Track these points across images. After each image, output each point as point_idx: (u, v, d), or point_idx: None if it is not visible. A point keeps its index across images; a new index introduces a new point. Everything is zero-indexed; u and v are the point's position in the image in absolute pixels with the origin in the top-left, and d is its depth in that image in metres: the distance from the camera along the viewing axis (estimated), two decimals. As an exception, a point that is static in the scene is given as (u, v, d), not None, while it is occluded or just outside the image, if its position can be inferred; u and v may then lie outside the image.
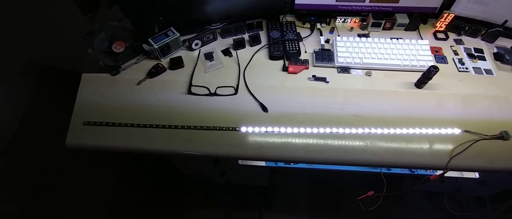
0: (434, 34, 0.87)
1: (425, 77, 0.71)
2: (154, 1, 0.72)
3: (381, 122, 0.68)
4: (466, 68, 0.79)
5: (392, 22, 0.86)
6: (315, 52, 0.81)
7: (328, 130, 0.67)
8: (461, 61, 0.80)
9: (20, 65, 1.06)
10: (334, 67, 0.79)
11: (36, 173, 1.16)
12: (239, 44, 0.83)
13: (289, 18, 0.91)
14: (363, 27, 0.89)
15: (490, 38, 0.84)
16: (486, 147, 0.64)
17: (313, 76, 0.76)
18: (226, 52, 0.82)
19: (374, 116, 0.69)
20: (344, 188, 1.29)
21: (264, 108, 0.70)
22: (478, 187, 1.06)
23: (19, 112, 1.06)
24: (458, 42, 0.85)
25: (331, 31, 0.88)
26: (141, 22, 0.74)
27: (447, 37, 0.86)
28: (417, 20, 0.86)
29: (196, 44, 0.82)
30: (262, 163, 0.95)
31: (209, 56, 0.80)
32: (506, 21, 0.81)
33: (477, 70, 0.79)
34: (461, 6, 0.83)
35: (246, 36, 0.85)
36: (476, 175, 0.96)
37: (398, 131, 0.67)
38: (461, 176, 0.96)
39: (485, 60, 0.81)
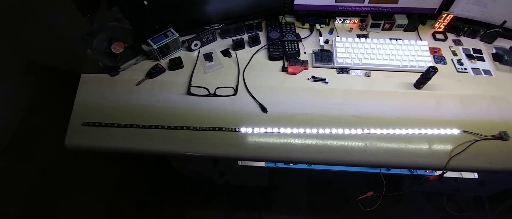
0: (433, 34, 0.87)
1: (424, 77, 0.72)
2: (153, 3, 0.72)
3: (380, 122, 0.68)
4: (465, 69, 0.79)
5: (391, 22, 0.86)
6: (314, 52, 0.81)
7: (327, 130, 0.67)
8: (460, 62, 0.80)
9: (19, 66, 1.06)
10: (333, 68, 0.79)
11: (36, 174, 1.15)
12: (238, 45, 0.83)
13: (289, 18, 0.91)
14: (362, 28, 0.89)
15: (488, 38, 0.85)
16: (485, 148, 0.65)
17: (313, 76, 0.76)
18: (226, 53, 0.82)
19: (373, 117, 0.69)
20: (344, 189, 1.29)
21: (264, 109, 0.70)
22: (477, 187, 1.06)
23: (19, 112, 1.06)
24: (457, 42, 0.85)
25: (331, 32, 0.88)
26: (140, 22, 0.74)
27: (446, 38, 0.86)
28: (416, 21, 0.86)
29: (196, 45, 0.82)
30: (262, 164, 0.95)
31: (208, 57, 0.80)
32: (505, 21, 0.81)
33: (476, 70, 0.79)
34: (460, 6, 0.83)
35: (245, 37, 0.85)
36: (475, 175, 0.96)
37: (398, 131, 0.67)
38: (460, 176, 0.96)
39: (483, 60, 0.81)
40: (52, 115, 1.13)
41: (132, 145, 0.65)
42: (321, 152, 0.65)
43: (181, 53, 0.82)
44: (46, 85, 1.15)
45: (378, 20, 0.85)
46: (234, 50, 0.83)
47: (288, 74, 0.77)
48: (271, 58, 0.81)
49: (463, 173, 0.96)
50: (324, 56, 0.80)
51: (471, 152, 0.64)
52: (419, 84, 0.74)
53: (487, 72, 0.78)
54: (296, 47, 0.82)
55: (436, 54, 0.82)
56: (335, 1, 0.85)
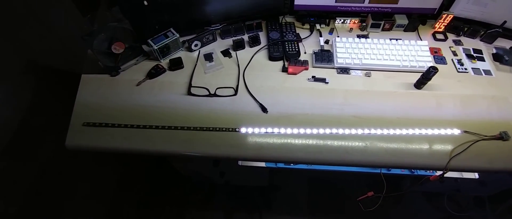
0: (433, 35, 0.87)
1: (424, 77, 0.72)
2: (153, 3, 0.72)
3: (380, 122, 0.68)
4: (465, 69, 0.79)
5: (391, 23, 0.86)
6: (314, 53, 0.81)
7: (327, 130, 0.67)
8: (460, 62, 0.80)
9: (19, 66, 1.06)
10: (333, 68, 0.79)
11: (36, 174, 1.15)
12: (238, 45, 0.83)
13: (289, 19, 0.91)
14: (362, 28, 0.89)
15: (489, 38, 0.85)
16: (485, 148, 0.65)
17: (313, 77, 0.76)
18: (226, 53, 0.82)
19: (373, 117, 0.69)
20: (344, 189, 1.29)
21: (264, 109, 0.70)
22: (478, 187, 1.06)
23: (19, 112, 1.06)
24: (457, 43, 0.85)
25: (331, 32, 0.88)
26: (140, 23, 0.74)
27: (446, 38, 0.86)
28: (416, 21, 0.86)
29: (196, 45, 0.82)
30: (262, 164, 0.95)
31: (208, 57, 0.81)
32: (505, 22, 0.81)
33: (476, 70, 0.79)
34: (460, 7, 0.83)
35: (245, 37, 0.85)
36: (475, 175, 0.96)
37: (398, 131, 0.67)
38: (461, 176, 0.96)
39: (484, 60, 0.81)
40: (53, 115, 1.13)
41: (133, 145, 0.65)
42: (322, 152, 0.65)
43: (181, 54, 0.82)
44: (46, 85, 1.15)
45: (378, 20, 0.85)
46: (234, 51, 0.83)
47: (288, 74, 0.77)
48: (271, 58, 0.81)
49: (463, 173, 0.96)
50: (324, 56, 0.80)
51: (471, 152, 0.64)
52: (420, 84, 0.74)
53: (487, 72, 0.78)
54: (296, 47, 0.82)
55: (436, 54, 0.82)
56: (335, 1, 0.85)
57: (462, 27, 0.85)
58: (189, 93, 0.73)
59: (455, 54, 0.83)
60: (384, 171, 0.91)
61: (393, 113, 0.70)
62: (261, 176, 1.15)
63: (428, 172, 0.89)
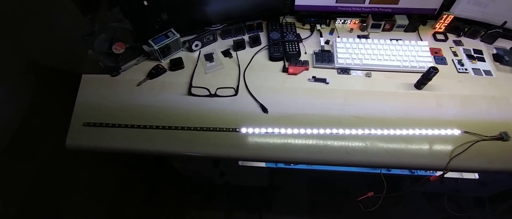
0: (434, 35, 0.87)
1: (425, 78, 0.72)
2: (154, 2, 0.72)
3: (381, 123, 0.68)
4: (466, 69, 0.79)
5: (391, 23, 0.86)
6: (315, 53, 0.81)
7: (328, 131, 0.67)
8: (460, 62, 0.80)
9: (20, 66, 1.06)
10: (334, 68, 0.79)
11: (36, 174, 1.15)
12: (239, 45, 0.83)
13: (289, 19, 0.91)
14: (362, 28, 0.89)
15: (489, 39, 0.85)
16: (485, 148, 0.65)
17: (313, 77, 0.76)
18: (226, 53, 0.82)
19: (374, 117, 0.69)
20: (344, 189, 1.29)
21: (264, 109, 0.70)
22: (478, 188, 1.06)
23: (19, 112, 1.06)
24: (458, 43, 0.86)
25: (331, 32, 0.88)
26: (141, 23, 0.74)
27: (446, 38, 0.86)
28: (416, 21, 0.86)
29: (196, 45, 0.82)
30: (262, 164, 0.95)
31: (209, 57, 0.81)
32: (505, 22, 0.81)
33: (476, 71, 0.79)
34: (460, 7, 0.84)
35: (246, 37, 0.85)
36: (475, 176, 0.96)
37: (398, 132, 0.67)
38: (461, 177, 0.96)
39: (484, 61, 0.81)
40: (53, 115, 1.13)
41: (133, 145, 0.65)
42: (322, 152, 0.65)
43: (182, 54, 0.82)
44: (47, 85, 1.15)
45: (378, 20, 0.85)
46: (234, 51, 0.83)
47: (288, 74, 0.78)
48: (272, 58, 0.81)
49: (463, 173, 0.96)
50: (324, 56, 0.80)
51: (471, 153, 0.64)
52: (420, 84, 0.74)
53: (487, 73, 0.78)
54: (297, 47, 0.82)
55: (437, 55, 0.82)
56: (336, 2, 0.85)
57: (462, 27, 0.86)
58: (190, 93, 0.73)
59: (455, 54, 0.83)
60: (384, 171, 0.91)
61: (393, 114, 0.70)
62: (261, 176, 1.15)
63: (428, 173, 0.89)
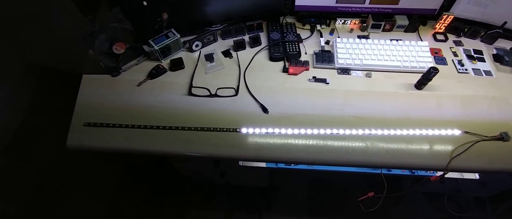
0: (434, 35, 0.87)
1: (425, 78, 0.72)
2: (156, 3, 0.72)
3: (381, 123, 0.68)
4: (466, 70, 0.79)
5: (391, 23, 0.86)
6: (315, 53, 0.81)
7: (328, 131, 0.67)
8: (460, 63, 0.80)
9: (20, 66, 1.06)
10: (334, 69, 0.79)
11: (36, 174, 1.15)
12: (239, 46, 0.83)
13: (289, 19, 0.91)
14: (363, 29, 0.89)
15: (489, 39, 0.85)
16: (486, 148, 0.65)
17: (313, 77, 0.77)
18: (227, 54, 0.82)
19: (374, 117, 0.69)
20: (345, 189, 1.29)
21: (265, 109, 0.70)
22: (478, 188, 1.06)
23: (20, 112, 1.06)
24: (458, 43, 0.86)
25: (331, 33, 0.88)
26: (141, 23, 0.74)
27: (446, 39, 0.86)
28: (416, 22, 0.86)
29: (197, 46, 0.83)
30: (263, 164, 0.95)
31: (209, 58, 0.81)
32: (505, 22, 0.81)
33: (476, 71, 0.79)
34: (460, 7, 0.84)
35: (246, 38, 0.85)
36: (476, 176, 0.96)
37: (399, 132, 0.67)
38: (461, 177, 0.96)
39: (484, 61, 0.81)
40: (53, 115, 1.13)
41: (133, 145, 0.66)
42: (322, 152, 0.65)
43: (182, 54, 0.83)
44: (47, 86, 1.15)
45: (378, 21, 0.85)
46: (235, 51, 0.83)
47: (289, 74, 0.78)
48: (272, 58, 0.81)
49: (464, 173, 0.96)
50: (325, 56, 0.80)
51: (472, 153, 0.64)
52: (420, 84, 0.74)
53: (487, 73, 0.79)
54: (297, 48, 0.82)
55: (437, 55, 0.82)
56: (336, 2, 0.85)
57: (462, 27, 0.86)
58: (190, 93, 0.73)
59: (455, 54, 0.83)
60: (384, 171, 0.91)
61: (393, 114, 0.70)
62: (261, 176, 1.15)
63: (428, 173, 0.89)
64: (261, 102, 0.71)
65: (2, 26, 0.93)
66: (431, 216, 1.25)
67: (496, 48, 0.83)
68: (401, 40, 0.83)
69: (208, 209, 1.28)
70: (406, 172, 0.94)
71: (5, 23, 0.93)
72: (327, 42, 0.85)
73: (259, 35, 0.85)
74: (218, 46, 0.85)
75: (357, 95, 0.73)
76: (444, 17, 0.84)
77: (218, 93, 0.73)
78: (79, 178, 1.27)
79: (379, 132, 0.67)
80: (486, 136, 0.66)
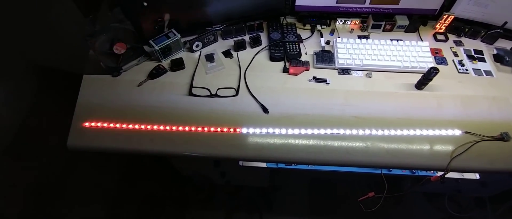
0: (434, 35, 0.87)
1: (425, 78, 0.72)
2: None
3: (381, 123, 0.68)
4: (466, 70, 0.79)
5: (392, 23, 0.87)
6: (315, 53, 0.81)
7: (328, 131, 0.67)
8: (461, 63, 0.80)
9: (21, 66, 1.06)
10: (334, 69, 0.79)
11: (37, 174, 1.16)
12: (239, 46, 0.83)
13: (290, 19, 0.91)
14: (363, 29, 0.89)
15: (489, 39, 0.85)
16: (486, 148, 0.65)
17: (314, 77, 0.77)
18: (227, 54, 0.82)
19: (374, 117, 0.69)
20: (345, 190, 1.29)
21: (265, 110, 0.70)
22: (479, 188, 1.06)
23: (20, 112, 1.06)
24: (458, 43, 0.86)
25: (332, 33, 0.88)
26: (142, 23, 0.74)
27: (447, 39, 0.86)
28: (417, 22, 0.86)
29: (197, 46, 0.83)
30: (263, 164, 0.95)
31: (210, 58, 0.81)
32: (505, 22, 0.81)
33: (477, 71, 0.79)
34: (461, 7, 0.84)
35: (246, 38, 0.85)
36: (476, 176, 0.96)
37: (399, 132, 0.67)
38: (462, 177, 0.96)
39: (485, 61, 0.81)
40: (54, 116, 1.13)
41: (134, 145, 0.66)
42: (323, 152, 0.65)
43: (182, 54, 0.83)
44: (48, 86, 1.16)
45: (379, 21, 0.85)
46: (235, 51, 0.83)
47: (289, 75, 0.78)
48: (273, 59, 0.81)
49: (464, 173, 0.96)
50: (325, 57, 0.80)
51: (472, 153, 0.64)
52: (420, 84, 0.74)
53: (488, 73, 0.79)
54: (297, 48, 0.82)
55: (437, 55, 0.82)
56: (336, 2, 0.85)
57: (463, 28, 0.86)
58: (190, 93, 0.73)
59: (456, 54, 0.83)
60: (385, 171, 0.91)
61: (394, 114, 0.70)
62: (261, 176, 1.15)
63: (429, 173, 0.89)
64: (261, 102, 0.71)
65: (2, 26, 0.93)
66: (431, 216, 1.24)
67: (496, 48, 0.83)
68: (401, 40, 0.83)
69: (208, 209, 1.28)
70: (407, 172, 0.94)
71: (5, 23, 0.93)
72: (327, 42, 0.85)
73: (260, 35, 0.85)
74: (219, 46, 0.85)
75: (357, 95, 0.73)
76: (445, 17, 0.84)
77: (219, 93, 0.73)
78: (79, 178, 1.27)
79: (380, 132, 0.67)
80: (487, 136, 0.66)
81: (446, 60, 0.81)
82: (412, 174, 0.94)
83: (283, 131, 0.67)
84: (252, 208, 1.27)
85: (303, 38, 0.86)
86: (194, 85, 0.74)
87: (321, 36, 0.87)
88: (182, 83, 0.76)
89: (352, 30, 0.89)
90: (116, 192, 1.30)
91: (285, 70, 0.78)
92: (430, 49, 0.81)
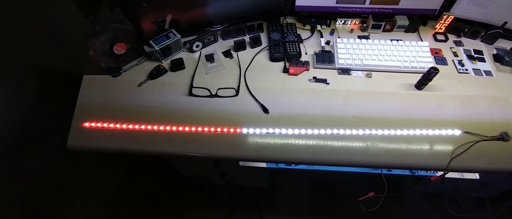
0: (434, 35, 0.87)
1: (425, 78, 0.72)
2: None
3: (381, 123, 0.68)
4: (466, 70, 0.79)
5: (392, 23, 0.87)
6: (315, 53, 0.81)
7: (328, 131, 0.67)
8: (460, 63, 0.81)
9: (21, 67, 1.06)
10: (334, 69, 0.79)
11: (37, 174, 1.16)
12: (239, 46, 0.83)
13: (290, 20, 0.91)
14: (363, 29, 0.89)
15: (489, 39, 0.85)
16: (486, 148, 0.65)
17: (314, 77, 0.77)
18: (227, 54, 0.82)
19: (374, 118, 0.69)
20: (345, 190, 1.29)
21: (265, 110, 0.70)
22: (478, 188, 1.06)
23: (21, 113, 1.06)
24: (458, 43, 0.86)
25: (332, 33, 0.89)
26: (142, 23, 0.74)
27: (446, 39, 0.86)
28: (416, 22, 0.86)
29: (197, 46, 0.83)
30: (263, 165, 0.95)
31: (210, 58, 0.81)
32: (505, 22, 0.81)
33: (476, 71, 0.79)
34: (461, 8, 0.84)
35: (246, 38, 0.85)
36: (476, 176, 0.96)
37: (399, 132, 0.67)
38: (462, 177, 0.96)
39: (484, 61, 0.81)
40: (54, 116, 1.14)
41: (134, 145, 0.66)
42: (323, 152, 0.65)
43: (182, 54, 0.83)
44: (48, 86, 1.16)
45: (379, 21, 0.85)
46: (235, 51, 0.83)
47: (289, 75, 0.78)
48: (273, 59, 0.81)
49: (464, 173, 0.96)
50: (325, 57, 0.80)
51: (472, 153, 0.64)
52: (420, 85, 0.74)
53: (488, 73, 0.79)
54: (297, 48, 0.83)
55: (437, 55, 0.82)
56: (336, 2, 0.85)
57: (462, 28, 0.86)
58: (190, 93, 0.73)
59: (455, 55, 0.83)
60: (385, 171, 0.91)
61: (394, 114, 0.70)
62: (262, 176, 1.15)
63: (429, 173, 0.89)
64: (261, 103, 0.71)
65: (3, 26, 0.93)
66: (431, 216, 1.25)
67: (496, 48, 0.83)
68: (401, 40, 0.83)
69: (208, 209, 1.28)
70: (407, 172, 0.94)
71: (5, 23, 0.93)
72: (327, 43, 0.85)
73: (260, 35, 0.86)
74: (219, 47, 0.85)
75: (357, 95, 0.74)
76: (444, 17, 0.84)
77: (219, 93, 0.73)
78: (79, 178, 1.27)
79: (380, 132, 0.67)
80: (487, 136, 0.66)
81: (446, 60, 0.81)
82: (412, 174, 0.94)
83: (283, 131, 0.67)
84: (252, 208, 1.27)
85: (303, 38, 0.86)
86: (194, 85, 0.75)
87: (321, 36, 0.87)
88: (182, 83, 0.76)
89: (352, 30, 0.89)
90: (116, 192, 1.30)
91: (285, 70, 0.78)
92: (430, 49, 0.81)
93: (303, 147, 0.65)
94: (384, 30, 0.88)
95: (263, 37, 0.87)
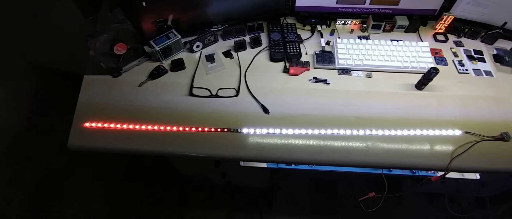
0: (434, 36, 0.87)
1: (425, 78, 0.72)
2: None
3: (382, 123, 0.68)
4: (466, 70, 0.79)
5: (392, 24, 0.87)
6: (315, 54, 0.81)
7: (329, 131, 0.67)
8: (461, 63, 0.81)
9: (22, 67, 1.06)
10: (334, 69, 0.80)
11: (37, 174, 1.16)
12: (240, 46, 0.83)
13: (290, 20, 0.91)
14: (363, 29, 0.89)
15: (489, 40, 0.85)
16: (486, 148, 0.65)
17: (314, 77, 0.77)
18: (227, 54, 0.83)
19: (375, 118, 0.70)
20: (345, 190, 1.29)
21: (266, 110, 0.70)
22: (479, 188, 1.06)
23: (21, 113, 1.06)
24: (458, 44, 0.86)
25: (332, 33, 0.89)
26: (142, 24, 0.75)
27: (446, 39, 0.86)
28: (417, 22, 0.86)
29: (197, 46, 0.83)
30: (264, 165, 0.95)
31: (210, 58, 0.81)
32: (505, 23, 0.81)
33: (477, 71, 0.79)
34: (461, 8, 0.84)
35: (247, 38, 0.85)
36: (476, 176, 0.96)
37: (399, 132, 0.67)
38: (462, 177, 0.96)
39: (484, 61, 0.81)
40: (55, 116, 1.14)
41: (134, 146, 0.66)
42: (323, 152, 0.65)
43: (183, 55, 0.83)
44: (48, 86, 1.16)
45: (379, 21, 0.85)
46: (235, 52, 0.83)
47: (289, 75, 0.78)
48: (273, 59, 0.81)
49: (464, 174, 0.96)
50: (325, 57, 0.80)
51: (472, 153, 0.64)
52: (421, 85, 0.74)
53: (488, 73, 0.79)
54: (298, 48, 0.83)
55: (437, 55, 0.82)
56: (336, 3, 0.85)
57: (462, 28, 0.86)
58: (191, 94, 0.73)
59: (455, 55, 0.83)
60: (385, 171, 0.91)
61: (394, 114, 0.70)
62: (262, 176, 1.15)
63: (429, 173, 0.89)
64: (262, 103, 0.72)
65: (3, 26, 0.93)
66: (431, 216, 1.25)
67: (496, 49, 0.83)
68: (401, 40, 0.83)
69: (208, 209, 1.28)
70: (407, 172, 0.94)
71: (5, 23, 0.93)
72: (327, 43, 0.85)
73: (260, 35, 0.86)
74: (219, 47, 0.85)
75: (357, 96, 0.74)
76: (444, 17, 0.84)
77: (219, 93, 0.73)
78: (79, 178, 1.27)
79: (380, 132, 0.67)
80: (487, 136, 0.66)
81: (446, 60, 0.82)
82: (413, 174, 0.94)
83: (284, 131, 0.67)
84: (252, 208, 1.27)
85: (303, 38, 0.86)
86: (194, 86, 0.75)
87: (321, 37, 0.87)
88: (183, 83, 0.76)
89: (352, 30, 0.90)
90: (116, 192, 1.30)
91: (286, 70, 0.78)
92: (430, 49, 0.81)
93: (303, 147, 0.66)
94: (384, 31, 0.88)
95: (263, 38, 0.87)
